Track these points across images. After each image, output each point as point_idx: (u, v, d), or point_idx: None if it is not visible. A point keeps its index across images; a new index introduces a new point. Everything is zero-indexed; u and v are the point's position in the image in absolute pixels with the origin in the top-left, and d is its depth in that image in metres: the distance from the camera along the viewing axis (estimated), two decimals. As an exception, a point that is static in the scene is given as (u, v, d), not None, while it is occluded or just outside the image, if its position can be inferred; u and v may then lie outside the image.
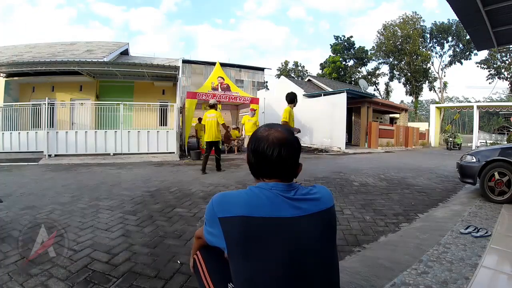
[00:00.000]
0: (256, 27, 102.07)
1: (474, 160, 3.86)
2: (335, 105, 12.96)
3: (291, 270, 0.73)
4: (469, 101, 38.57)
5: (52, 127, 9.04)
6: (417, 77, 32.01)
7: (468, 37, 21.51)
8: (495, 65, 31.06)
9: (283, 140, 0.83)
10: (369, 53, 35.98)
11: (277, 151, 0.81)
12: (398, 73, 34.69)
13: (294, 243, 0.75)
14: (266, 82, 30.88)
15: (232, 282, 0.81)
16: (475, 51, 29.05)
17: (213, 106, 6.11)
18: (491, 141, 21.09)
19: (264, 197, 0.77)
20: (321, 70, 37.88)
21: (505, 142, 18.33)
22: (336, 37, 36.89)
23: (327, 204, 0.86)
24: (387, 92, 36.53)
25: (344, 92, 13.06)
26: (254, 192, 0.79)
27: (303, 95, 15.34)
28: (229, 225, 0.74)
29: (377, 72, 36.80)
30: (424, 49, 32.05)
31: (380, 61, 35.85)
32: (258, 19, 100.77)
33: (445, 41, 31.98)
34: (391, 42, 32.54)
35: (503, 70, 30.95)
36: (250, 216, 0.73)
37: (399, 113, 20.67)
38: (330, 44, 37.12)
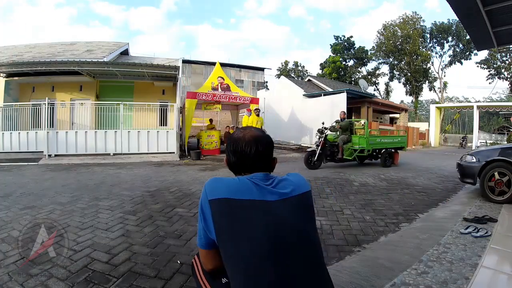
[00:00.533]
0: (257, 27, 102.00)
1: (474, 160, 3.86)
2: (335, 105, 12.95)
3: (273, 247, 0.79)
4: (469, 101, 38.56)
5: (52, 127, 9.04)
6: (417, 77, 31.99)
7: (468, 37, 21.52)
8: (495, 65, 31.03)
9: (258, 138, 0.96)
10: (369, 53, 35.97)
11: (255, 148, 0.93)
12: (398, 73, 34.67)
13: (273, 222, 0.82)
14: (266, 82, 30.86)
15: (225, 277, 0.87)
16: (475, 51, 29.04)
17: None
18: (491, 141, 21.05)
19: (245, 183, 0.88)
20: (321, 70, 37.86)
21: (505, 142, 18.27)
22: (336, 37, 36.88)
23: (303, 189, 0.94)
24: (387, 92, 36.52)
25: (344, 92, 13.06)
26: (239, 179, 0.90)
27: (303, 95, 15.35)
28: (216, 206, 0.83)
29: (377, 72, 36.80)
30: (424, 49, 32.02)
31: (380, 61, 35.83)
32: (258, 19, 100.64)
33: (445, 41, 31.97)
34: (391, 42, 32.52)
35: (503, 70, 30.93)
36: (233, 198, 0.83)
37: (399, 113, 20.68)
38: (330, 44, 37.11)
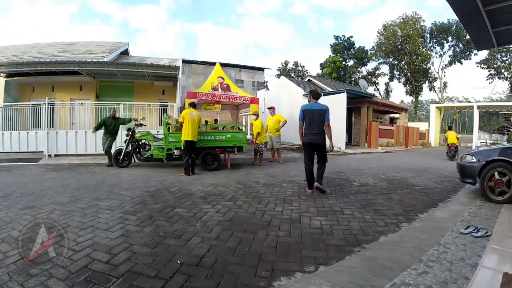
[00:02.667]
0: (258, 25, 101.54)
1: (474, 160, 3.85)
2: (335, 105, 12.95)
3: (311, 119, 4.11)
4: (469, 101, 38.59)
5: (52, 127, 9.05)
6: (417, 77, 32.00)
7: (468, 37, 21.52)
8: (495, 65, 31.09)
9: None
10: (369, 53, 35.98)
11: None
12: (398, 73, 34.69)
13: (312, 115, 4.13)
14: (266, 82, 30.83)
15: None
16: (475, 51, 29.06)
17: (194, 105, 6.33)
18: (491, 141, 21.03)
19: (310, 104, 4.28)
20: (321, 70, 37.88)
21: (505, 142, 18.23)
22: (336, 37, 36.88)
23: (322, 109, 4.12)
24: (387, 92, 36.53)
25: (344, 92, 13.06)
26: (309, 103, 4.31)
27: (303, 95, 15.33)
28: (303, 110, 4.21)
29: (377, 72, 36.81)
30: (424, 49, 32.04)
31: (380, 61, 35.86)
32: (260, 17, 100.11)
33: (445, 41, 31.99)
34: (391, 42, 32.54)
35: (503, 70, 30.98)
36: (307, 108, 4.19)
37: (399, 113, 20.67)
38: (330, 44, 37.12)
